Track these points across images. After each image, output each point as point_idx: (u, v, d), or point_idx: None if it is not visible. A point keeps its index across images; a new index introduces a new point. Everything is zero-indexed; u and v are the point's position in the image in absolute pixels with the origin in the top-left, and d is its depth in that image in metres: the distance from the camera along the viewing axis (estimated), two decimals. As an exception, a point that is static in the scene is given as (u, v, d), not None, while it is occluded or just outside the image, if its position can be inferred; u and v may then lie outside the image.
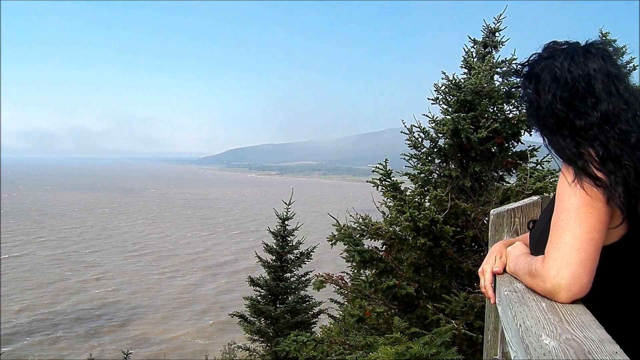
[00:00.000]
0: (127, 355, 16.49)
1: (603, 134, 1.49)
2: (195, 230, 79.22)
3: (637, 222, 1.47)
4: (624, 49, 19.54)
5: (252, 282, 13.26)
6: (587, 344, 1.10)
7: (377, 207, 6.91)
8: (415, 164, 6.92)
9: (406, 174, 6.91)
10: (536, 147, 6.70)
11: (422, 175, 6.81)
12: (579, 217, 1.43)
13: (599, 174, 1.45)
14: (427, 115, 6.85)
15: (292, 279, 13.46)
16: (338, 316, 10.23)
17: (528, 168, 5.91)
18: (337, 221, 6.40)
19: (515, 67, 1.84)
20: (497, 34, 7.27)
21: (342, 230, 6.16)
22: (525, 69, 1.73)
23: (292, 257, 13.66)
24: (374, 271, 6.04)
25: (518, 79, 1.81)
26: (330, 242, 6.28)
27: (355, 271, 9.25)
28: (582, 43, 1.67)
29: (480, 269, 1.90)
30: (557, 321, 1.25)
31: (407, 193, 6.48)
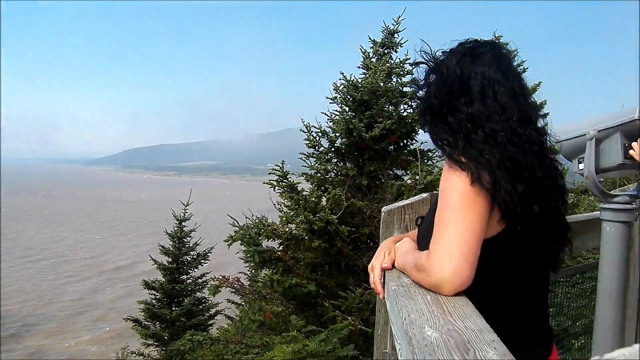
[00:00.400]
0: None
1: (469, 130, 1.60)
2: (90, 234, 75.69)
3: (515, 216, 1.54)
4: (515, 52, 20.76)
5: (147, 285, 12.85)
6: (467, 333, 1.13)
7: (275, 206, 6.89)
8: (313, 163, 6.96)
9: (303, 174, 6.94)
10: (430, 148, 6.95)
11: (319, 174, 6.86)
12: (460, 212, 1.48)
13: (463, 159, 1.54)
14: (325, 114, 6.92)
15: (188, 281, 13.18)
16: (235, 317, 10.12)
17: (419, 164, 6.11)
18: (236, 221, 6.32)
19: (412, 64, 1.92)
20: (396, 35, 7.46)
21: (240, 230, 6.09)
22: (431, 62, 1.80)
23: (189, 259, 13.37)
24: (272, 271, 6.01)
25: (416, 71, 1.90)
26: (227, 243, 6.19)
27: (254, 271, 9.17)
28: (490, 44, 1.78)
29: (370, 266, 1.92)
30: (440, 313, 1.28)
31: (304, 193, 6.51)
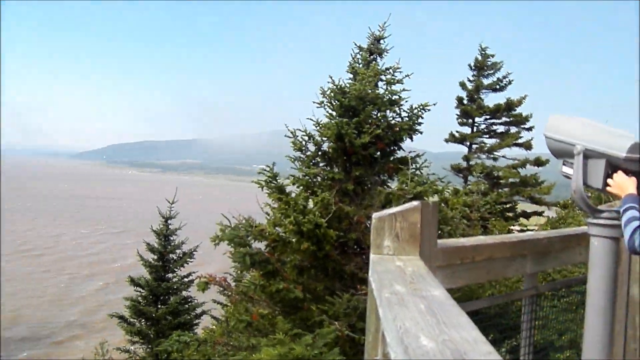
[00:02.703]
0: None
1: None
2: (73, 228, 74.91)
3: None
4: (500, 64, 20.77)
5: (133, 282, 12.77)
6: (463, 344, 1.15)
7: (262, 208, 6.89)
8: (300, 166, 6.97)
9: (291, 175, 6.95)
10: (419, 154, 7.00)
11: (307, 177, 6.87)
12: None
13: None
14: (311, 119, 6.94)
15: (174, 280, 13.12)
16: (221, 317, 10.09)
17: (409, 173, 6.15)
18: (228, 220, 6.33)
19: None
20: (381, 41, 7.50)
21: (229, 231, 6.09)
22: None
23: (175, 257, 13.31)
24: (259, 272, 6.01)
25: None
26: (214, 243, 6.18)
27: (239, 272, 9.15)
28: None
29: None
30: (435, 322, 1.30)
31: (293, 196, 6.52)
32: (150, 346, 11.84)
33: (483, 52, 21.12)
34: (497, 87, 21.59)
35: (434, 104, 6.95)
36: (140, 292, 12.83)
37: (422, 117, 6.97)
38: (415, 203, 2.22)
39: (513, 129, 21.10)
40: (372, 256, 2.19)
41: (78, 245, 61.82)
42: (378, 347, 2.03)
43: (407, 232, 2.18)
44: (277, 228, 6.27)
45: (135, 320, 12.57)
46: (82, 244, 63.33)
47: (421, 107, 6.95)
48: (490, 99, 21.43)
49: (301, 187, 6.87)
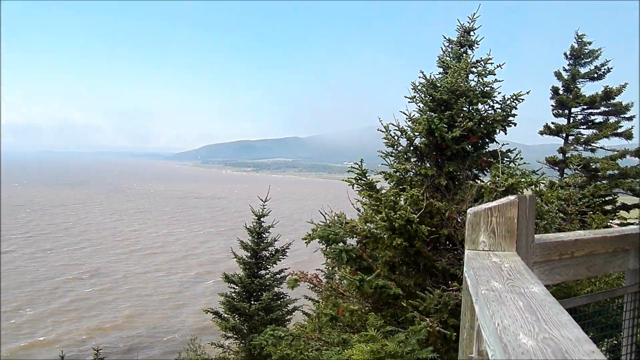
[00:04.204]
0: (97, 351, 16.56)
1: None
2: (180, 227, 78.66)
3: None
4: (598, 51, 19.70)
5: (227, 279, 13.17)
6: (565, 343, 1.10)
7: (353, 205, 6.92)
8: (392, 162, 6.93)
9: (382, 172, 6.92)
10: (510, 149, 6.78)
11: (398, 173, 6.82)
12: None
13: None
14: (404, 113, 6.88)
15: (266, 276, 13.40)
16: (312, 313, 10.23)
17: (500, 166, 5.96)
18: (324, 216, 6.40)
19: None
20: (471, 33, 7.32)
21: (322, 228, 6.15)
22: None
23: (267, 254, 13.60)
24: (352, 269, 6.03)
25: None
26: (305, 241, 6.26)
27: (331, 268, 9.20)
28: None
29: None
30: (535, 320, 1.26)
31: (383, 192, 6.49)
32: (243, 341, 12.17)
33: (580, 40, 20.19)
34: (595, 75, 20.49)
35: (527, 92, 6.70)
36: (234, 288, 13.20)
37: (516, 108, 6.75)
38: (511, 197, 2.15)
39: (612, 119, 19.98)
40: (467, 252, 2.15)
41: (184, 245, 64.72)
42: (473, 345, 1.99)
43: (504, 227, 2.11)
44: (368, 224, 6.28)
45: (229, 316, 12.95)
46: (187, 244, 66.20)
47: (514, 97, 6.72)
48: (588, 88, 20.40)
49: (392, 183, 6.84)
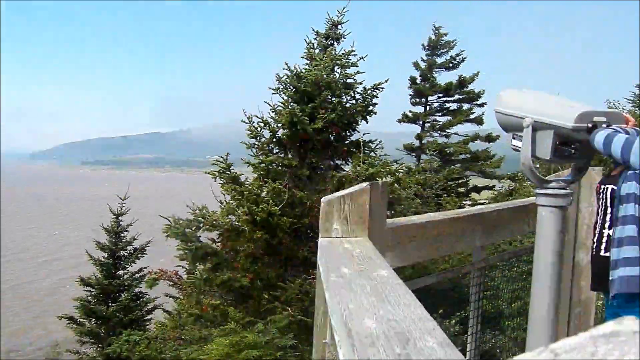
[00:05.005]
0: None
1: None
2: (39, 231, 72.83)
3: None
4: (453, 42, 20.83)
5: (83, 281, 12.43)
6: (407, 322, 1.11)
7: (216, 197, 6.79)
8: (256, 153, 6.88)
9: (247, 162, 6.86)
10: (371, 139, 7.00)
11: (263, 165, 6.79)
12: None
13: None
14: (268, 104, 6.85)
15: (125, 276, 12.84)
16: (173, 311, 9.94)
17: (361, 156, 6.13)
18: (167, 219, 6.24)
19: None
20: (339, 26, 7.45)
21: (175, 226, 5.99)
22: None
23: (126, 254, 13.03)
24: (207, 265, 5.94)
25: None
26: (166, 234, 6.08)
27: (192, 264, 8.99)
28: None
29: None
30: (380, 303, 1.26)
31: (247, 184, 6.44)
32: (101, 345, 11.57)
33: (436, 31, 21.27)
34: (450, 65, 21.68)
35: (386, 81, 6.95)
36: (90, 291, 12.51)
37: (377, 97, 6.98)
38: (363, 185, 2.17)
39: (465, 106, 21.30)
40: (320, 240, 2.14)
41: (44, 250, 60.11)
42: (327, 331, 1.99)
43: (356, 213, 2.13)
44: (230, 216, 6.19)
45: (85, 320, 12.25)
46: (47, 247, 61.57)
47: (374, 87, 6.94)
48: (444, 77, 21.55)
49: (255, 175, 6.79)
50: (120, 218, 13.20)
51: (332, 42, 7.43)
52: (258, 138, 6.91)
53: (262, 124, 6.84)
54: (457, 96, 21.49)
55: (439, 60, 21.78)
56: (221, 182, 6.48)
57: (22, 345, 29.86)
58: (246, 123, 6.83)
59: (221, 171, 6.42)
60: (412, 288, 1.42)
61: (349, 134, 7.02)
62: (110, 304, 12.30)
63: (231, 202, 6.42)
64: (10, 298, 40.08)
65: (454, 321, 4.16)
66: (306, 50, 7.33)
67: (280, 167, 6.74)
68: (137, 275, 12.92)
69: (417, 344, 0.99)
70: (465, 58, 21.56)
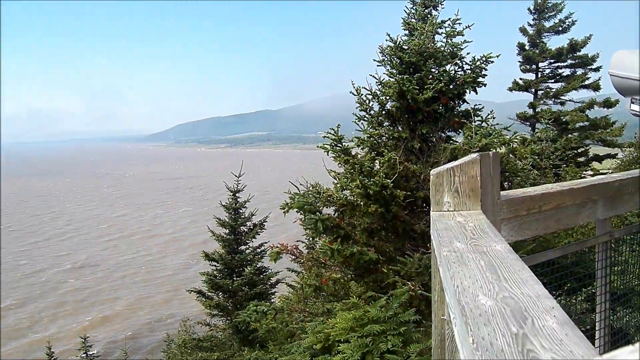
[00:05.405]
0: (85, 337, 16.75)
1: None
2: (165, 210, 78.19)
3: None
4: (562, 4, 19.67)
5: (207, 256, 13.14)
6: (525, 300, 1.07)
7: (328, 173, 6.88)
8: (365, 127, 6.88)
9: (355, 137, 6.88)
10: (480, 107, 6.76)
11: (372, 139, 6.77)
12: None
13: None
14: (374, 77, 6.80)
15: (247, 251, 13.39)
16: (296, 285, 10.25)
17: (473, 126, 5.95)
18: (296, 187, 6.36)
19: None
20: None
21: (299, 198, 6.11)
22: None
23: (245, 230, 13.57)
24: (330, 238, 6.02)
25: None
26: (283, 210, 6.22)
27: (311, 239, 9.18)
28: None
29: None
30: (495, 279, 1.22)
31: (359, 156, 6.46)
32: (229, 318, 12.20)
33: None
34: (560, 28, 20.54)
35: (497, 56, 6.66)
36: (215, 266, 13.18)
37: (486, 69, 6.70)
38: (473, 155, 2.11)
39: (579, 71, 20.11)
40: (432, 213, 2.11)
41: (171, 228, 64.23)
42: (444, 307, 1.97)
43: (467, 185, 2.07)
44: (344, 192, 6.25)
45: (213, 294, 12.96)
46: (174, 225, 65.70)
47: (484, 58, 6.67)
48: (554, 42, 20.47)
49: (367, 149, 6.80)
50: (237, 195, 13.74)
51: (430, 10, 7.21)
52: (367, 110, 6.89)
53: (370, 96, 6.81)
54: (569, 61, 20.33)
55: (547, 24, 20.60)
56: (333, 155, 6.54)
57: (163, 317, 32.46)
58: (355, 95, 6.83)
59: (332, 144, 6.47)
60: (530, 264, 1.37)
61: (458, 104, 6.82)
62: (235, 278, 12.92)
63: (344, 177, 6.47)
64: (145, 272, 43.54)
65: (580, 298, 3.94)
66: (405, 20, 7.17)
67: (390, 140, 6.70)
68: (259, 250, 13.45)
69: (535, 323, 0.96)
70: (575, 21, 20.27)
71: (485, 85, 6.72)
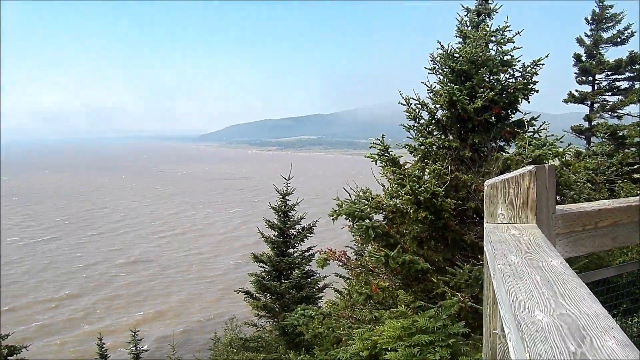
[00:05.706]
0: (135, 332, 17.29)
1: None
2: (216, 209, 79.59)
3: None
4: (621, 15, 19.11)
5: (256, 258, 13.29)
6: (582, 318, 1.06)
7: (377, 180, 6.87)
8: (415, 135, 6.85)
9: (406, 145, 6.85)
10: (534, 116, 6.63)
11: (422, 147, 6.73)
12: None
13: None
14: (425, 85, 6.77)
15: (295, 254, 13.48)
16: (343, 290, 10.26)
17: (526, 137, 5.84)
18: (348, 194, 6.37)
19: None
20: (489, 1, 7.14)
21: (348, 205, 6.12)
22: None
23: (294, 233, 13.66)
24: (380, 245, 6.00)
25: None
26: (332, 217, 6.24)
27: (360, 245, 9.17)
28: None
29: None
30: (552, 295, 1.21)
31: (407, 167, 6.43)
32: (276, 320, 12.30)
33: (601, 4, 19.61)
34: (618, 40, 19.90)
35: (546, 56, 6.53)
36: (263, 267, 13.32)
37: (537, 74, 6.58)
38: (529, 167, 2.08)
39: (638, 85, 19.45)
40: (485, 225, 2.10)
41: (223, 227, 65.31)
42: (497, 321, 1.95)
43: (522, 198, 2.05)
44: (394, 199, 6.23)
45: (260, 295, 13.11)
46: (225, 225, 66.81)
47: (534, 63, 6.55)
48: (611, 54, 19.88)
49: (417, 157, 6.76)
50: (286, 198, 13.85)
51: (483, 17, 7.13)
52: (417, 120, 6.86)
53: (419, 106, 6.77)
54: (628, 74, 19.64)
55: (605, 35, 20.01)
56: (381, 165, 6.53)
57: (213, 315, 33.03)
58: (404, 105, 6.81)
59: (380, 153, 6.46)
60: (586, 281, 1.34)
61: (510, 114, 6.71)
62: (282, 281, 13.03)
63: (393, 184, 6.45)
64: (196, 270, 44.35)
65: (637, 320, 3.81)
66: (458, 28, 7.11)
67: (440, 149, 6.64)
68: (307, 253, 13.52)
69: (594, 343, 0.95)
70: (634, 32, 19.61)
71: (537, 91, 6.60)
